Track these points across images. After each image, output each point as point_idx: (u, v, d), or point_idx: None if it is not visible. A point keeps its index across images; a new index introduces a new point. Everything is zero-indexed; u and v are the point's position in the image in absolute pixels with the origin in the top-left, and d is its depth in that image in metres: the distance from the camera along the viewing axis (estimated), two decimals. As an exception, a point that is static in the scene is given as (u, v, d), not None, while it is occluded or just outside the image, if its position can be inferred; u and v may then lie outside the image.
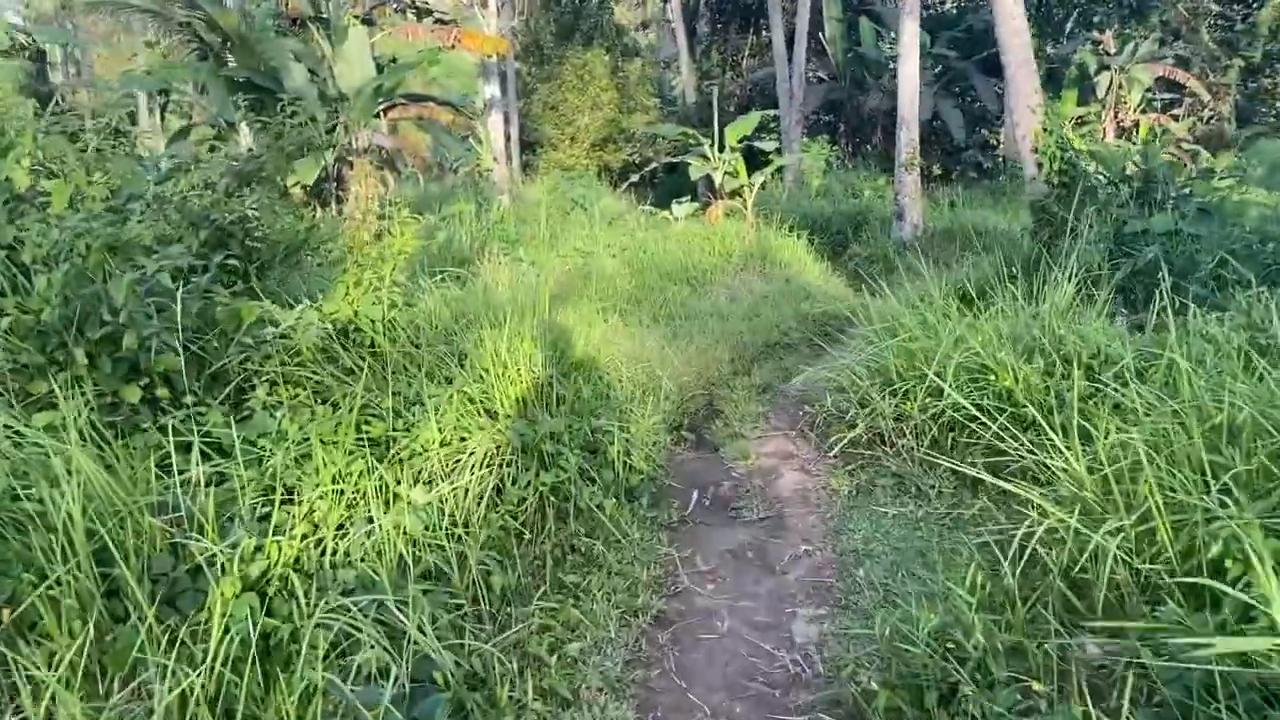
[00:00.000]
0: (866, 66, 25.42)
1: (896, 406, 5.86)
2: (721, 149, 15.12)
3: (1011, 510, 4.70)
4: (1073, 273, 6.76)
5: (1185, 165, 9.62)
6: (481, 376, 5.86)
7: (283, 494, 4.48)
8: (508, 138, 28.50)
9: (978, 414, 5.22)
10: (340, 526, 4.35)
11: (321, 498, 4.35)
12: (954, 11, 29.01)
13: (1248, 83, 26.93)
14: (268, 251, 7.04)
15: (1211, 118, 25.25)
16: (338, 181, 15.14)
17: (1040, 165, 10.59)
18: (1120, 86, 24.04)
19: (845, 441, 5.93)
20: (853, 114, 26.15)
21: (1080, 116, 24.61)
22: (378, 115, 15.55)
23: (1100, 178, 10.49)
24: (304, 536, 4.15)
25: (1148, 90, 24.24)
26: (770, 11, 23.80)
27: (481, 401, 5.64)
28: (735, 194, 15.16)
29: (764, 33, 28.48)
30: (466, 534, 4.38)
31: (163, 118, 28.33)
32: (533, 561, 4.68)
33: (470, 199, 15.98)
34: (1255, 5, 26.44)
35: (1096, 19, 26.03)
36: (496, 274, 12.68)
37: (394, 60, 16.41)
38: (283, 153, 9.11)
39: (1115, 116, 24.41)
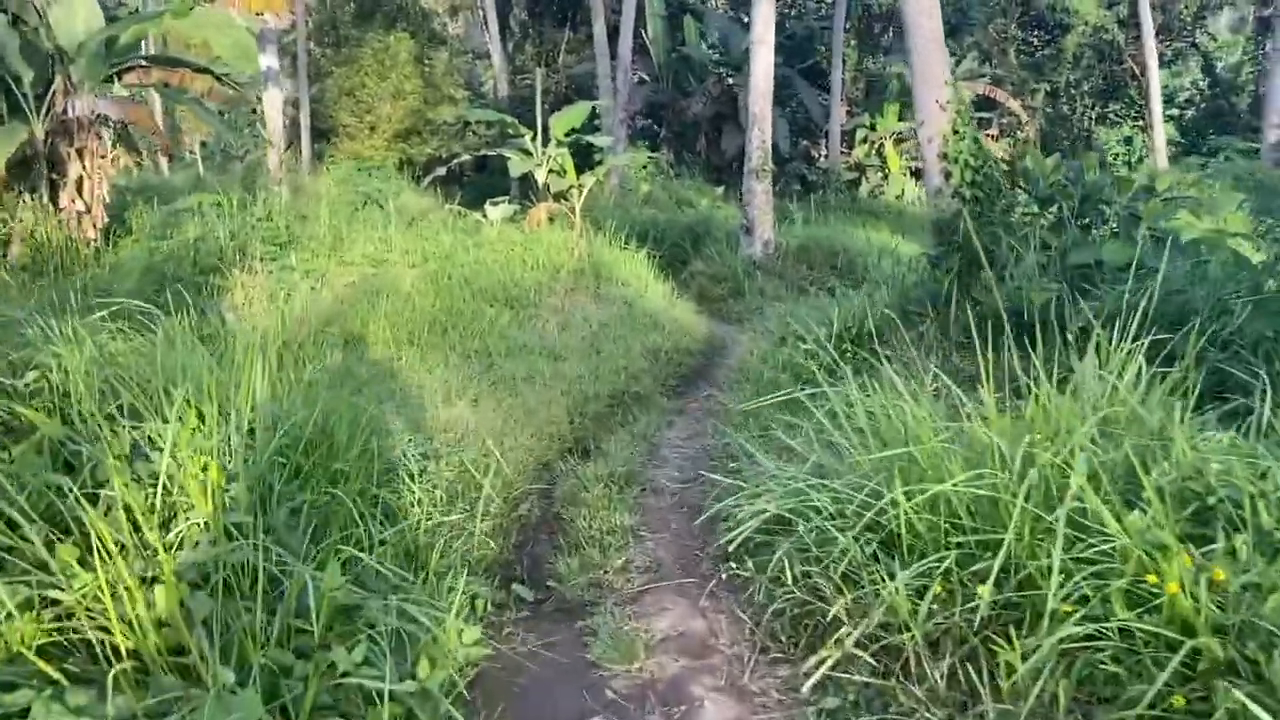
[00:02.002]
0: (690, 68, 22.95)
1: (914, 598, 3.01)
2: (546, 143, 12.09)
3: None
4: (1125, 333, 4.09)
5: (1133, 182, 7.36)
6: (114, 546, 2.63)
7: None
8: (295, 123, 24.49)
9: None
10: None
11: None
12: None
13: (1047, 108, 26.25)
14: None
15: (1021, 139, 24.24)
16: (51, 163, 11.10)
17: (949, 176, 8.14)
18: (941, 103, 22.52)
19: (828, 663, 3.04)
20: (675, 119, 23.61)
21: (899, 132, 23.07)
22: (110, 79, 11.61)
23: (1022, 193, 8.17)
24: None
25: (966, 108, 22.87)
26: (591, 1, 20.92)
27: (86, 612, 2.44)
28: (561, 196, 12.16)
29: (582, 28, 25.59)
30: None
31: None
32: None
33: (233, 189, 12.24)
34: (1057, 32, 25.75)
35: (916, 35, 24.53)
36: (251, 291, 9.20)
37: (135, 11, 12.48)
38: None
39: (935, 133, 22.91)
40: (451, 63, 25.89)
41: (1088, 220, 7.62)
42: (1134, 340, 3.97)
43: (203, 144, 30.41)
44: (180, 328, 4.37)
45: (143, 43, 24.35)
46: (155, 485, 2.99)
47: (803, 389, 7.26)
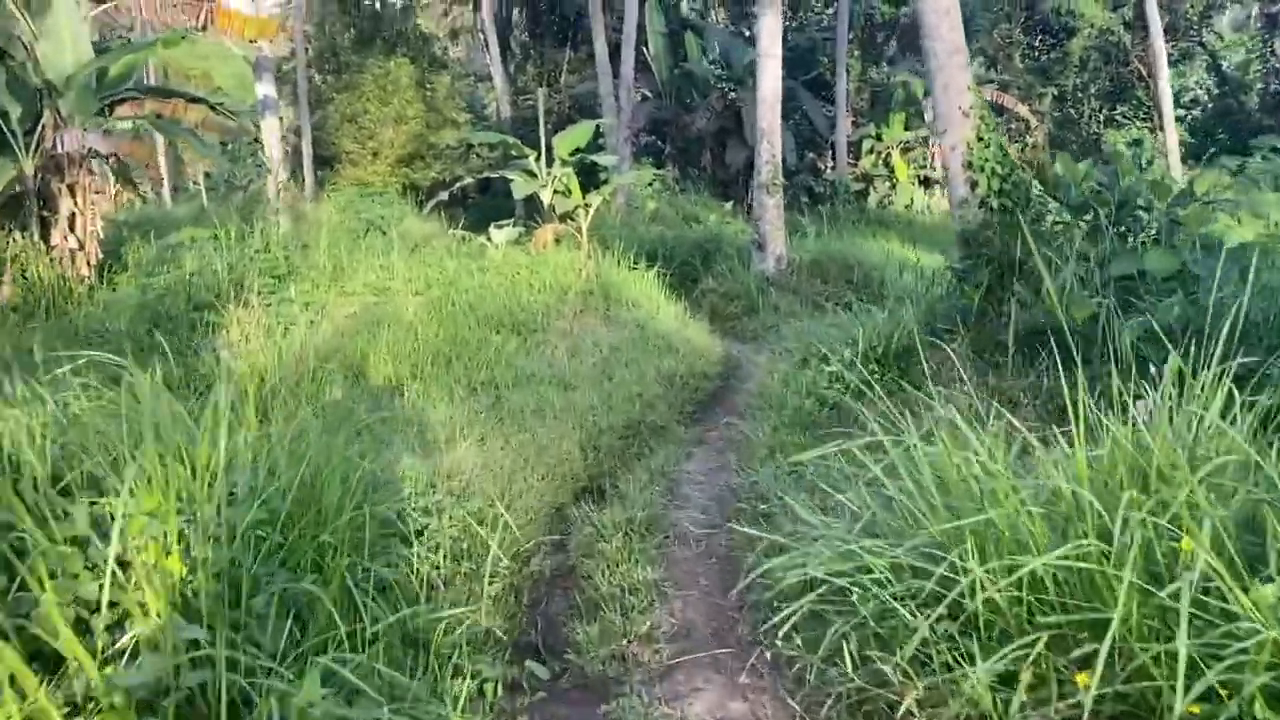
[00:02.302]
0: (693, 84, 22.56)
1: (998, 687, 2.52)
2: (550, 163, 11.66)
3: None
4: (1203, 354, 3.58)
5: (1170, 186, 6.87)
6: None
7: None
8: (297, 151, 24.21)
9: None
10: None
11: None
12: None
13: (1055, 112, 25.78)
14: None
15: (1029, 144, 23.73)
16: (42, 199, 10.71)
17: (974, 185, 7.67)
18: (947, 111, 22.07)
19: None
20: (678, 134, 23.22)
21: (906, 141, 22.64)
22: (102, 112, 11.22)
23: (1051, 201, 7.69)
24: None
25: (972, 115, 22.40)
26: (592, 21, 20.55)
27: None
28: (567, 217, 11.73)
29: (583, 48, 25.23)
30: None
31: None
32: None
33: (231, 220, 11.81)
34: (1063, 36, 25.29)
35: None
36: (247, 326, 8.77)
37: (128, 42, 12.10)
38: None
39: (943, 141, 22.45)
40: (453, 86, 25.56)
41: (1124, 228, 7.14)
42: (1218, 361, 3.49)
43: (206, 174, 30.11)
44: (150, 377, 3.89)
45: (142, 73, 24.08)
46: (104, 578, 2.52)
47: (830, 418, 6.80)
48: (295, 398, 6.97)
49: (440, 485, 4.85)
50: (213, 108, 11.79)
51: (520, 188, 11.30)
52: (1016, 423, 3.15)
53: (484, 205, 24.26)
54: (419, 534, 3.96)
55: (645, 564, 4.55)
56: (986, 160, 7.59)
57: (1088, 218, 7.38)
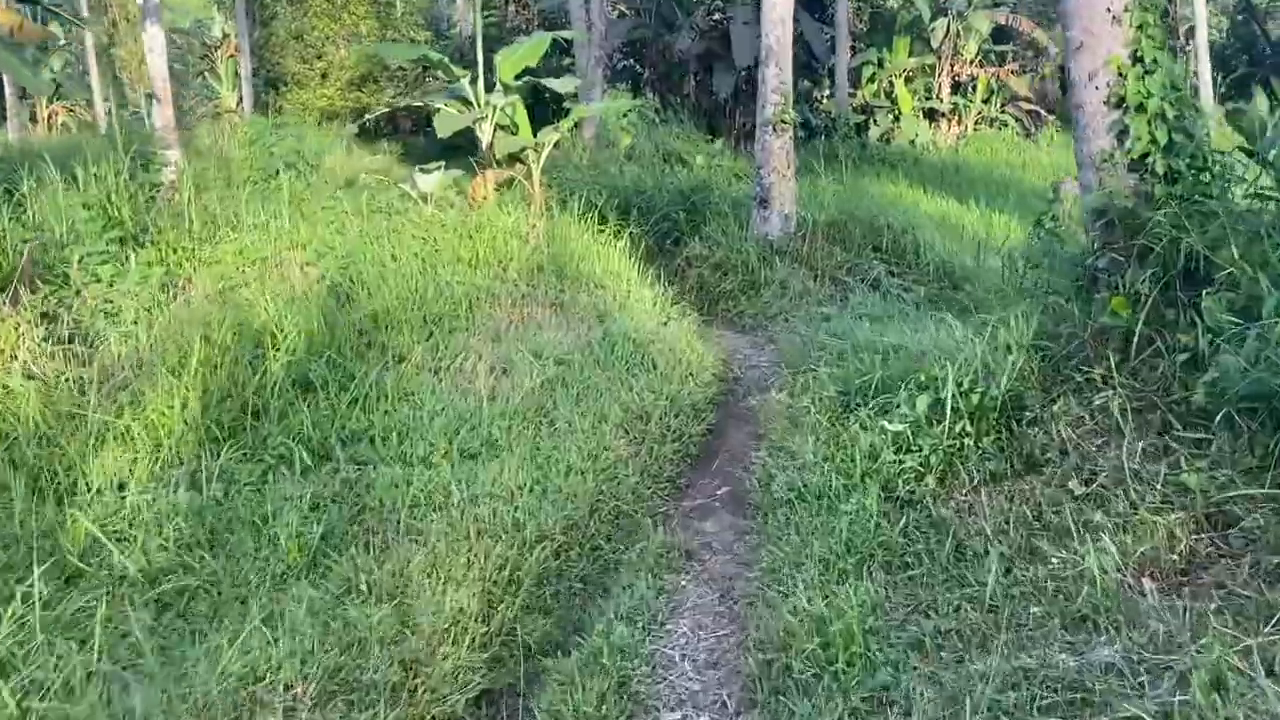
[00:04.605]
0: (676, 0, 18.94)
1: None
2: (490, 89, 8.37)
3: None
4: None
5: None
6: None
7: None
8: (236, 74, 20.56)
9: None
10: None
11: None
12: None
13: (1065, 40, 22.18)
14: None
15: (1041, 75, 20.29)
16: None
17: (1123, 135, 4.53)
18: (957, 35, 18.66)
19: None
20: (659, 58, 19.63)
21: (909, 69, 19.20)
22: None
23: (1240, 159, 4.55)
24: None
25: (984, 41, 19.00)
26: (562, -78, 16.85)
27: None
28: (514, 159, 8.49)
29: (555, -42, 21.37)
30: None
31: None
32: None
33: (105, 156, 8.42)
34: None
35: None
36: (12, 335, 5.56)
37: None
38: None
39: (951, 69, 19.08)
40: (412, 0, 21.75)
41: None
42: None
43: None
44: None
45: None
46: None
47: (912, 537, 3.82)
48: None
49: None
50: (49, 9, 8.35)
51: (445, 123, 7.98)
52: None
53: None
54: None
55: None
56: (1149, 96, 4.44)
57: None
